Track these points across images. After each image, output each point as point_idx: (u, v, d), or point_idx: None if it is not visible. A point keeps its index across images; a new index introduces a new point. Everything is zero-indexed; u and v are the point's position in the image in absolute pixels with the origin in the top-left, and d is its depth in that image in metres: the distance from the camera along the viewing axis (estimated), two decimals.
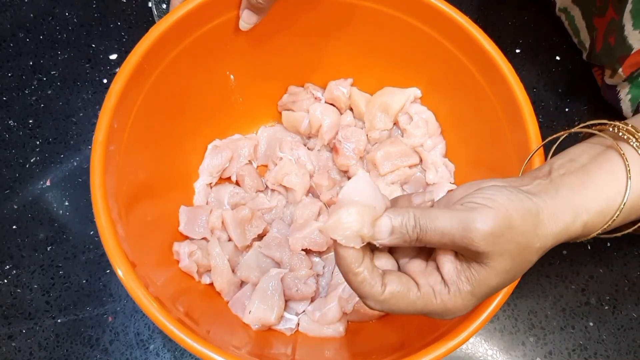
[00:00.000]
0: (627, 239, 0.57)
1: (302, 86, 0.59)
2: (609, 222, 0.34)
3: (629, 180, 0.34)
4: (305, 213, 0.53)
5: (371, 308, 0.32)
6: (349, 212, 0.30)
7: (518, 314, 0.54)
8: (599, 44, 0.58)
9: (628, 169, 0.34)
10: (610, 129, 0.36)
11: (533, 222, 0.31)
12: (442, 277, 0.32)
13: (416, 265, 0.34)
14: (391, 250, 0.35)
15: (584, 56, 0.63)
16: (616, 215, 0.34)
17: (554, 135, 0.40)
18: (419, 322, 0.47)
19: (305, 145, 0.59)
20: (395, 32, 0.51)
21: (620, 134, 0.36)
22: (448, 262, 0.32)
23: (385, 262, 0.34)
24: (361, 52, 0.56)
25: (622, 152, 0.35)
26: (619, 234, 0.37)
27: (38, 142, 0.61)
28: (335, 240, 0.31)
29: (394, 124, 0.58)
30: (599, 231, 0.35)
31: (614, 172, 0.35)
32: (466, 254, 0.31)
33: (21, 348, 0.52)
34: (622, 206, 0.34)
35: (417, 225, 0.31)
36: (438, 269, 0.33)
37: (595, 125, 0.38)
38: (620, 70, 0.55)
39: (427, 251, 0.35)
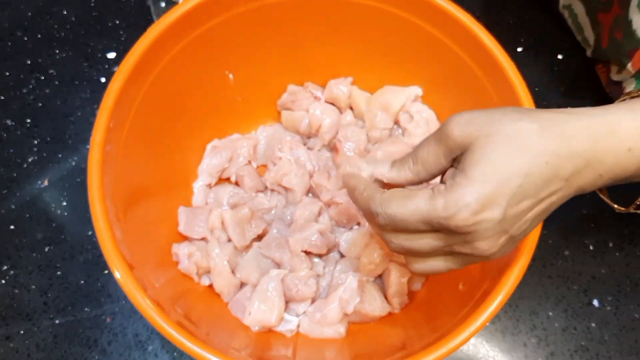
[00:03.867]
0: (629, 239, 0.57)
1: (302, 85, 0.59)
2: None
3: None
4: (305, 213, 0.52)
5: (378, 227, 0.33)
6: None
7: (520, 315, 0.54)
8: (605, 40, 0.58)
9: None
10: None
11: (515, 110, 0.31)
12: (441, 181, 0.33)
13: None
14: None
15: (588, 53, 0.63)
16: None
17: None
18: (420, 323, 0.47)
19: (305, 144, 0.58)
20: (395, 30, 0.51)
21: None
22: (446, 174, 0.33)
23: None
24: (361, 51, 0.55)
25: None
26: None
27: (36, 142, 0.61)
28: (345, 180, 0.36)
29: (395, 123, 0.57)
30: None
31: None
32: (458, 159, 0.32)
33: (19, 349, 0.52)
34: None
35: (408, 158, 0.34)
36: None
37: None
38: (630, 65, 0.54)
39: None
